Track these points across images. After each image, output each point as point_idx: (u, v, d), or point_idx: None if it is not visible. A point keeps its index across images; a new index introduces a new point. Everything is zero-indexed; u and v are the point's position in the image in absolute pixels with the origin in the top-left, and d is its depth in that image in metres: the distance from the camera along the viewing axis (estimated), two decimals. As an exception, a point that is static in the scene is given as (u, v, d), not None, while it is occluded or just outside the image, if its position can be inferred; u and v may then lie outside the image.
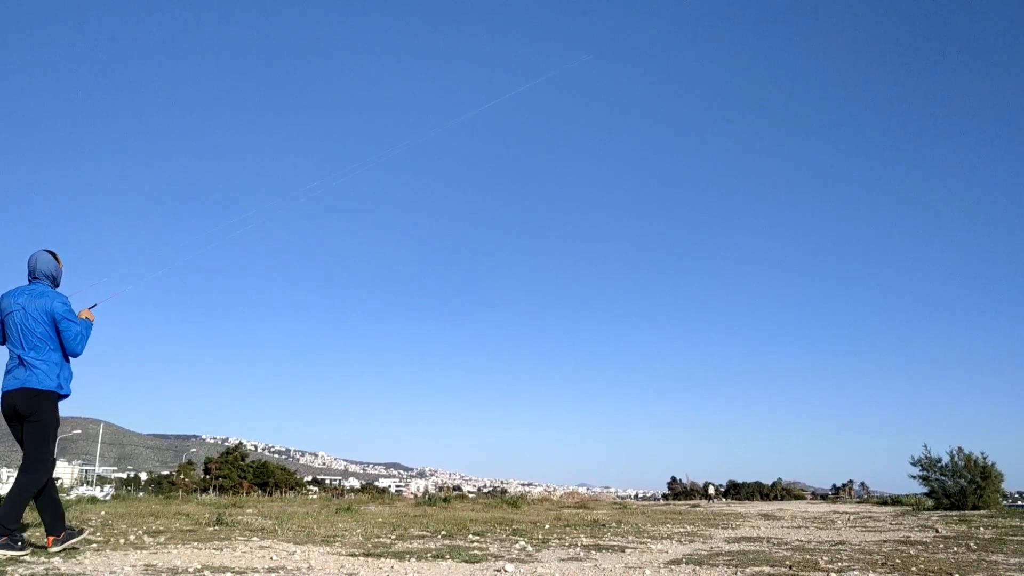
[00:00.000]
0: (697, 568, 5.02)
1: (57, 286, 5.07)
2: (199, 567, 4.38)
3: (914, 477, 21.66)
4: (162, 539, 6.15)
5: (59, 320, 4.77)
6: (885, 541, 7.76)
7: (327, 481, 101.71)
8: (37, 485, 4.67)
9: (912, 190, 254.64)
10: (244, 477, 57.15)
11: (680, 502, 47.68)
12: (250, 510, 13.66)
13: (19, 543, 4.59)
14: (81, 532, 5.19)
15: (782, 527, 10.78)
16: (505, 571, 4.65)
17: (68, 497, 21.92)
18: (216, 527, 7.91)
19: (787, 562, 5.37)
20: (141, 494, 46.93)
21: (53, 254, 5.05)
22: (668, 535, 8.63)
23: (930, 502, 21.65)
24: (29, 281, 4.97)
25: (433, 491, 58.94)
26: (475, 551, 5.93)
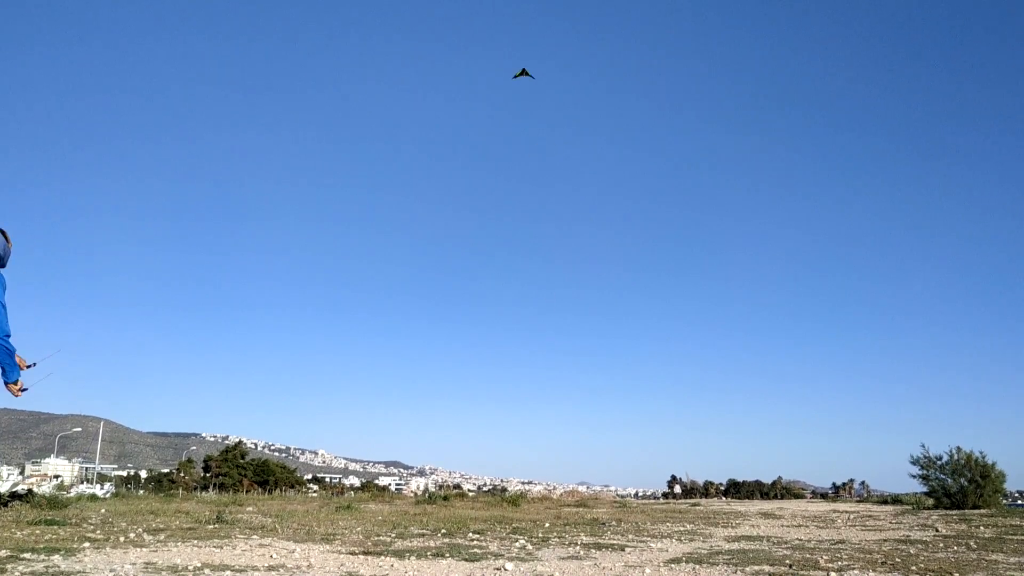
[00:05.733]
0: (697, 567, 5.02)
1: (4, 265, 4.94)
2: (199, 565, 4.38)
3: (914, 476, 21.72)
4: (162, 537, 6.15)
5: None
6: (885, 540, 7.76)
7: (327, 479, 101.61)
8: None
9: (912, 190, 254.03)
10: (244, 475, 57.14)
11: (680, 501, 47.68)
12: (250, 508, 13.67)
13: None
14: None
15: (782, 526, 10.78)
16: (505, 570, 4.64)
17: (68, 495, 21.93)
18: (216, 525, 7.91)
19: (787, 561, 5.37)
20: (141, 492, 46.93)
21: (3, 232, 4.94)
22: (668, 534, 8.63)
23: (930, 501, 21.66)
24: None
25: (433, 489, 58.90)
26: (475, 549, 5.92)
